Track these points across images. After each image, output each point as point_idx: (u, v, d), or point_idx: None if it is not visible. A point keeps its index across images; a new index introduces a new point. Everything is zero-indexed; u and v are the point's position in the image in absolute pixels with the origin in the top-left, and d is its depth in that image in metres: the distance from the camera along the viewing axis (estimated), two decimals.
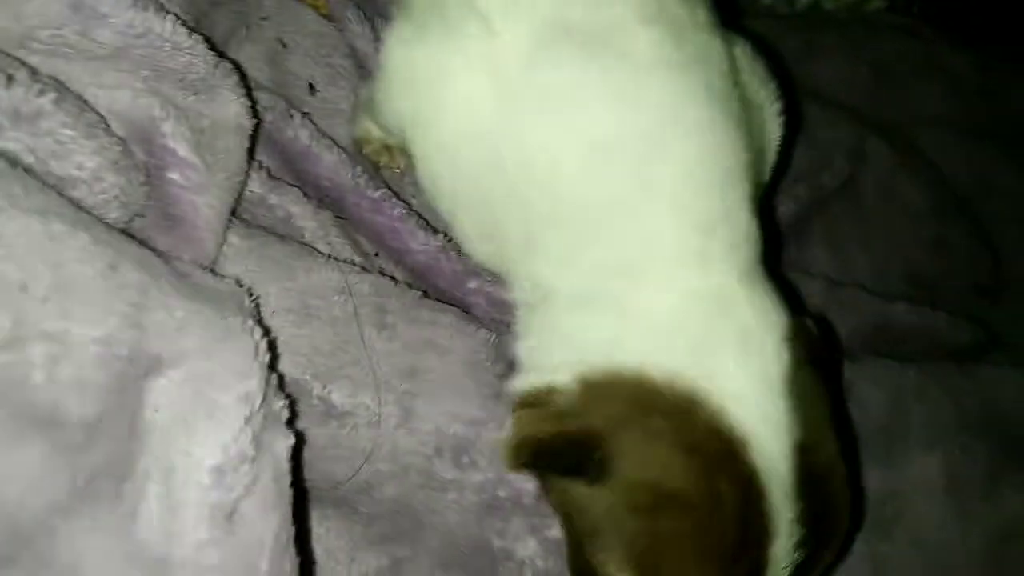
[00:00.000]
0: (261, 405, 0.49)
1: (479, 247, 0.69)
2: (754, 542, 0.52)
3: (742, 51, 0.69)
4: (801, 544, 0.53)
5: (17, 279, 0.43)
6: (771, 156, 0.72)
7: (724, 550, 0.52)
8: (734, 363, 0.54)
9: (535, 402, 0.57)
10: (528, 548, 0.69)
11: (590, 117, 0.58)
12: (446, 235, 0.76)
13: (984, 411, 0.92)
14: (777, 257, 0.91)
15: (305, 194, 0.75)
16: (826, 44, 1.25)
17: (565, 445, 0.54)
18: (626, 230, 0.58)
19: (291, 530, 0.49)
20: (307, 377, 0.63)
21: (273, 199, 0.72)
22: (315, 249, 0.70)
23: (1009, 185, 1.24)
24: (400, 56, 0.67)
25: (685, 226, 0.58)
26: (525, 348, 0.62)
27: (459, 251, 0.75)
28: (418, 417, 0.67)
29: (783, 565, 0.53)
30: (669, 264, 0.58)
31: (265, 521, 0.47)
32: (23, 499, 0.41)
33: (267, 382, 0.50)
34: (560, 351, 0.58)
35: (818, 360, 0.59)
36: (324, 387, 0.64)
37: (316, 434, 0.63)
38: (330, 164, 0.75)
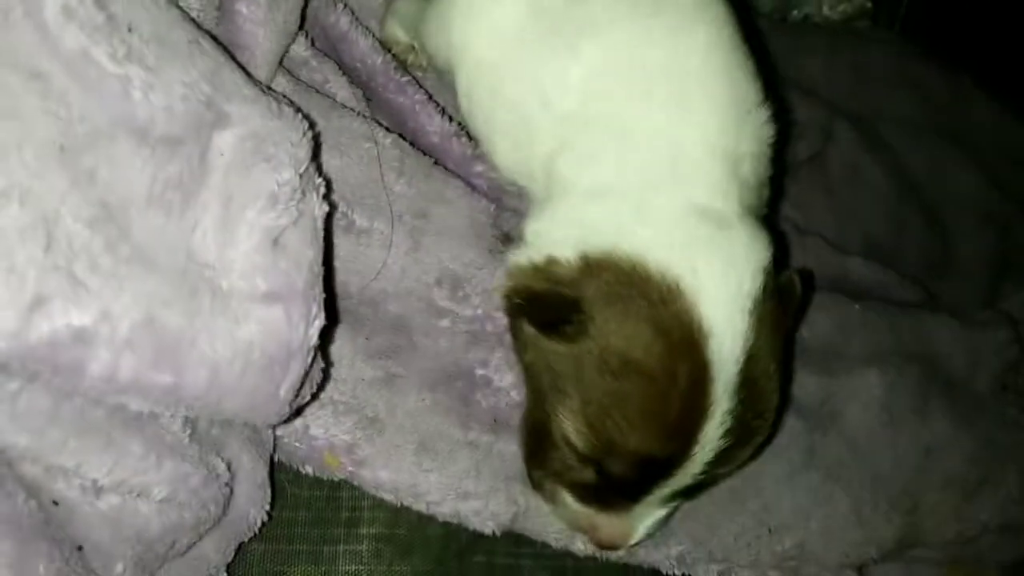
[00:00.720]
0: (307, 171, 0.59)
1: (507, 156, 0.77)
2: (692, 421, 0.61)
3: None
4: (727, 433, 0.62)
5: (125, 20, 0.53)
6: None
7: (666, 420, 0.60)
8: (717, 273, 0.62)
9: (533, 268, 0.66)
10: (505, 380, 0.78)
11: (634, 47, 0.68)
12: (460, 123, 0.86)
13: (920, 345, 1.02)
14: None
15: (341, 71, 0.85)
16: (810, 45, 1.38)
17: (554, 300, 0.63)
18: (657, 145, 0.66)
19: (322, 271, 0.58)
20: (334, 197, 0.73)
21: (314, 63, 0.82)
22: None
23: (964, 182, 1.36)
24: None
25: (710, 154, 0.66)
26: (532, 230, 0.70)
27: (469, 136, 0.85)
28: (424, 249, 0.77)
29: (709, 447, 0.62)
30: (687, 180, 0.65)
31: (303, 252, 0.57)
32: (112, 184, 0.51)
33: (313, 157, 0.60)
34: (567, 231, 0.66)
35: (790, 303, 0.70)
36: (348, 207, 0.74)
37: (338, 243, 0.72)
38: (364, 48, 0.85)
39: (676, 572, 0.82)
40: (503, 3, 0.70)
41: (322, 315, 0.57)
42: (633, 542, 0.69)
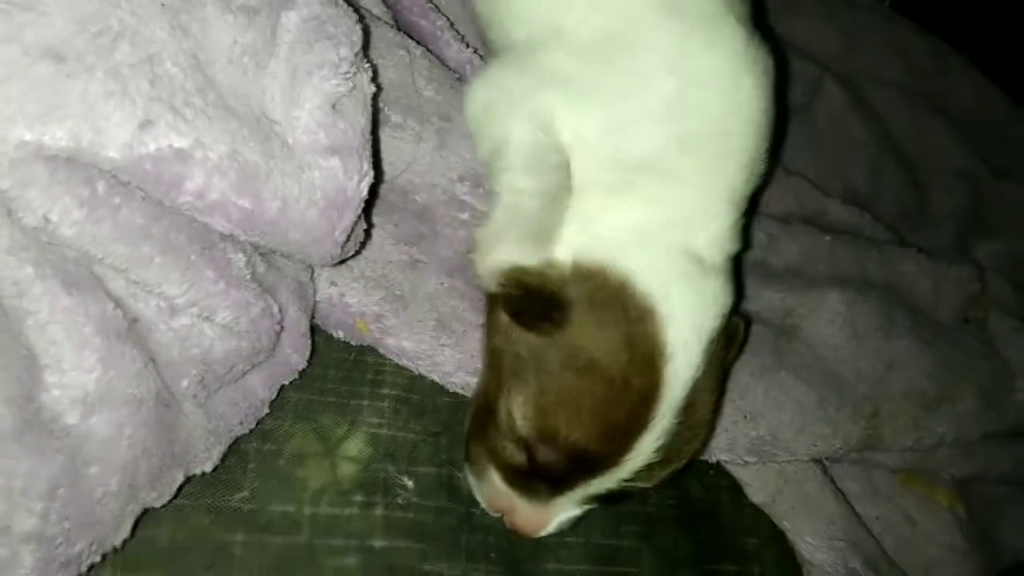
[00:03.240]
0: (359, 52, 0.68)
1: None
2: (633, 429, 0.67)
3: None
4: (660, 448, 0.68)
5: None
6: None
7: (611, 422, 0.66)
8: (688, 309, 0.69)
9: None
10: None
11: (685, 97, 0.74)
12: (475, 49, 0.95)
13: (885, 275, 1.11)
14: None
15: None
16: (807, 7, 1.47)
17: (541, 294, 0.69)
18: (685, 192, 0.73)
19: (370, 139, 0.68)
20: None
21: None
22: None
23: (941, 142, 1.46)
24: None
25: (728, 204, 0.75)
26: None
27: (482, 59, 0.94)
28: (449, 148, 0.86)
29: (641, 456, 0.68)
30: (697, 226, 0.73)
31: (357, 118, 0.66)
32: (201, 41, 0.60)
33: (364, 44, 0.70)
34: (573, 232, 0.72)
35: (733, 344, 0.78)
36: (384, 103, 0.83)
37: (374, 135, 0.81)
38: None
39: None
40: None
41: (371, 173, 0.66)
42: (544, 533, 0.74)
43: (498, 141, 0.76)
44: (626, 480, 0.69)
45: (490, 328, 0.75)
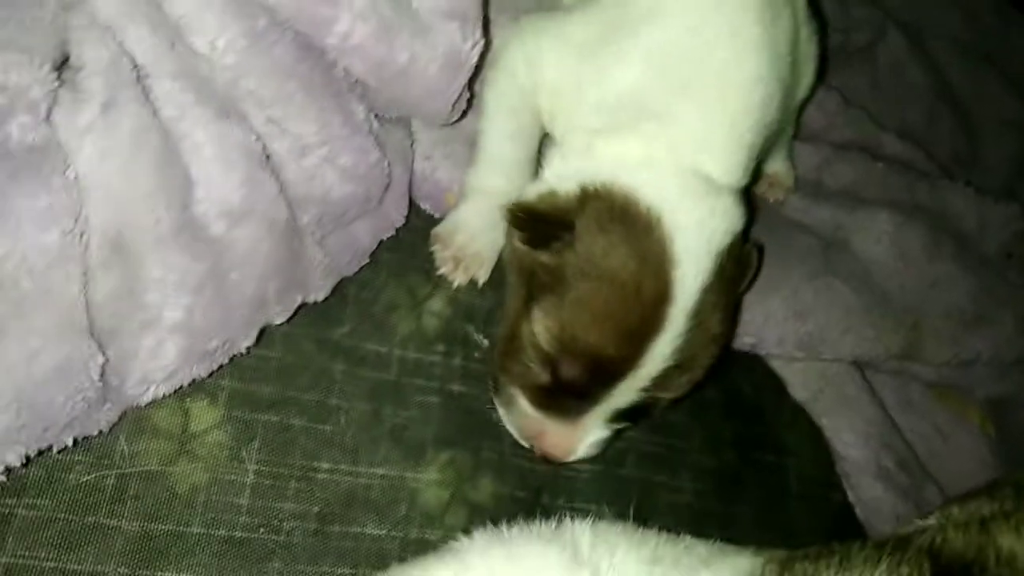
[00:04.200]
0: None
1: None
2: (647, 331, 0.69)
3: None
4: (675, 352, 0.70)
5: None
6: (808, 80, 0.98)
7: (625, 324, 0.68)
8: (695, 221, 0.71)
9: (538, 195, 0.76)
10: None
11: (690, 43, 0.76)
12: None
13: (934, 203, 1.18)
14: None
15: None
16: None
17: (550, 218, 0.72)
18: (690, 129, 0.74)
19: (482, 11, 0.75)
20: None
21: None
22: None
23: (995, 93, 1.51)
24: None
25: (720, 122, 0.75)
26: (551, 164, 0.80)
27: None
28: None
29: (657, 361, 0.70)
30: (694, 141, 0.74)
31: None
32: None
33: None
34: (575, 165, 0.75)
35: (747, 270, 0.80)
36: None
37: None
38: None
39: None
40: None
41: (482, 41, 0.73)
42: (574, 457, 0.76)
43: (489, 80, 0.81)
44: (647, 389, 0.71)
45: (509, 259, 0.78)
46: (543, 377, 0.72)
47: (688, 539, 0.64)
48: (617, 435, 0.78)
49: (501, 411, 0.78)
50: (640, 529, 0.63)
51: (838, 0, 1.34)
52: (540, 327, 0.71)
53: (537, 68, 0.77)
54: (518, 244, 0.75)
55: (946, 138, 1.38)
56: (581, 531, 0.62)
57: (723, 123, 0.74)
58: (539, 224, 0.72)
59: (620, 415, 0.74)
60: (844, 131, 1.22)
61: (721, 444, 0.97)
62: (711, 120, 0.74)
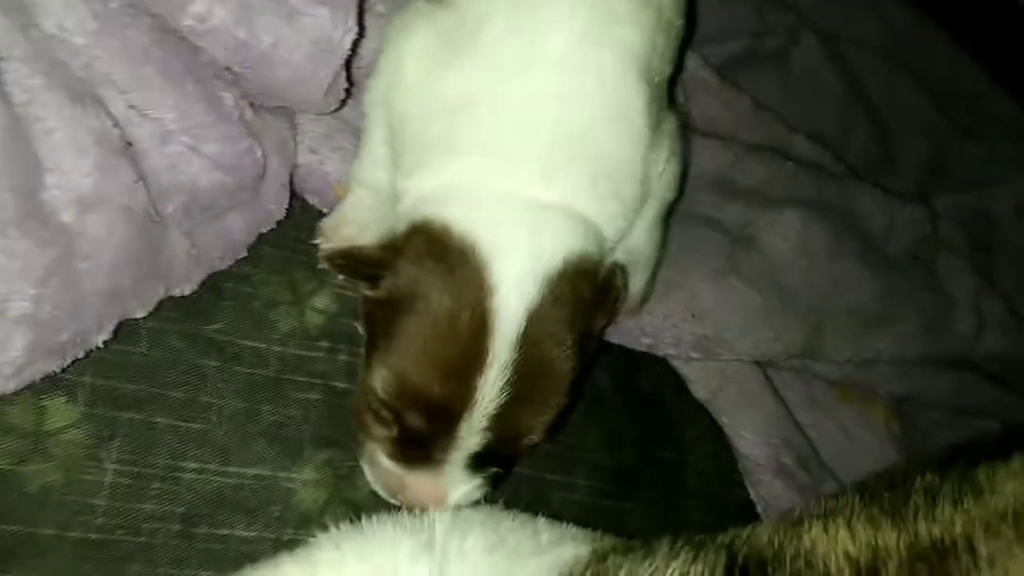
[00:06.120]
0: None
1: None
2: (470, 365, 0.64)
3: None
4: (507, 386, 0.65)
5: None
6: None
7: (446, 360, 0.65)
8: (514, 244, 0.66)
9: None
10: None
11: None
12: None
13: (842, 202, 1.18)
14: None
15: None
16: None
17: (365, 259, 0.70)
18: (505, 135, 0.70)
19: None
20: None
21: None
22: None
23: (910, 100, 1.53)
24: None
25: (535, 138, 0.70)
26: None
27: None
28: None
29: (489, 398, 0.65)
30: (509, 161, 0.70)
31: None
32: None
33: None
34: (411, 199, 0.72)
35: (610, 292, 0.74)
36: None
37: None
38: None
39: (613, 340, 0.97)
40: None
41: (355, 28, 0.72)
42: (447, 504, 0.71)
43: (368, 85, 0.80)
44: (494, 430, 0.67)
45: (359, 309, 0.76)
46: (392, 429, 0.69)
47: (540, 522, 0.65)
48: (495, 481, 0.74)
49: (365, 469, 0.75)
50: (499, 514, 0.64)
51: (752, 4, 1.34)
52: (377, 377, 0.67)
53: (400, 76, 0.75)
54: (363, 295, 0.72)
55: (859, 142, 1.40)
56: (440, 518, 0.63)
57: (539, 139, 0.70)
58: (358, 266, 0.71)
59: (484, 461, 0.70)
60: (754, 132, 1.22)
61: (619, 442, 0.96)
62: (526, 137, 0.70)
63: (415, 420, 0.67)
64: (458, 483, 0.71)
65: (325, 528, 0.70)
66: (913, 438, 1.17)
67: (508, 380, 0.65)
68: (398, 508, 0.72)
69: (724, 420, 1.03)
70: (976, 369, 1.23)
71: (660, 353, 1.00)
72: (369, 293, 0.70)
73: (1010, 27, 1.63)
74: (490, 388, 0.65)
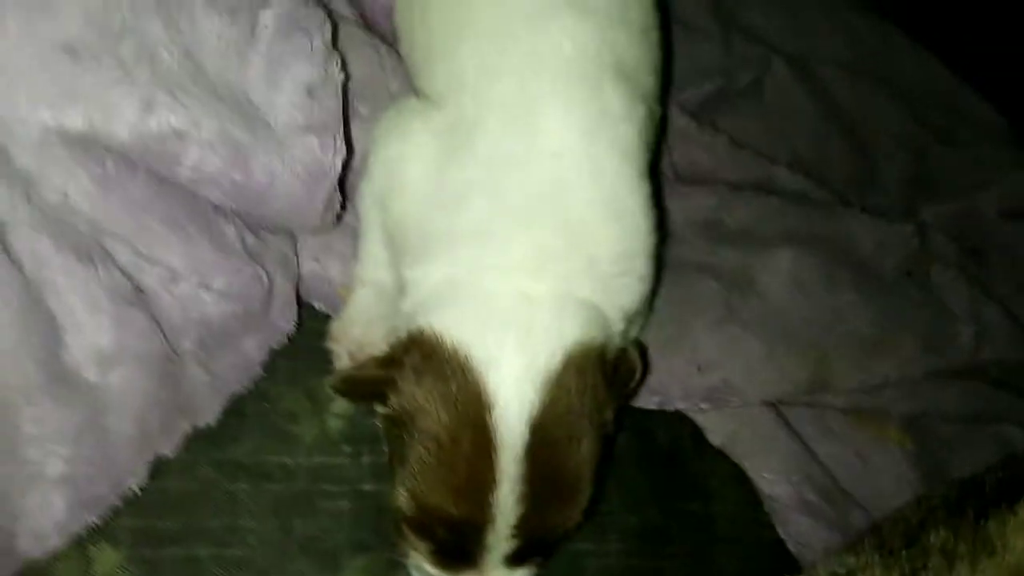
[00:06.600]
0: (329, 45, 0.77)
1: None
2: (480, 485, 0.63)
3: None
4: (523, 499, 0.64)
5: None
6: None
7: (456, 484, 0.64)
8: (508, 348, 0.65)
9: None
10: None
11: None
12: None
13: (831, 231, 1.20)
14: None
15: None
16: None
17: (368, 380, 0.70)
18: (504, 222, 0.71)
19: (342, 119, 0.77)
20: None
21: None
22: None
23: (886, 113, 1.55)
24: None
25: (538, 241, 0.70)
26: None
27: None
28: None
29: (507, 511, 0.64)
30: (519, 254, 0.70)
31: (330, 102, 0.75)
32: (192, 35, 0.69)
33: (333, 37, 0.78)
34: (408, 305, 0.73)
35: (626, 375, 0.74)
36: (354, 97, 0.91)
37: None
38: None
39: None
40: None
41: (343, 150, 0.74)
42: None
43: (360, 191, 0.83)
44: (523, 535, 0.66)
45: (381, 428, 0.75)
46: (427, 541, 0.69)
47: None
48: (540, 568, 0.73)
49: (413, 574, 0.74)
50: None
51: (721, 41, 1.37)
52: (400, 498, 0.67)
53: (398, 178, 0.77)
54: (380, 414, 0.72)
55: (839, 161, 1.42)
56: None
57: (537, 226, 0.70)
58: (363, 389, 0.71)
59: (524, 555, 0.69)
60: (736, 172, 1.24)
61: (641, 499, 0.98)
62: (524, 224, 0.70)
63: (444, 535, 0.67)
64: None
65: None
66: (930, 454, 1.18)
67: (524, 491, 0.64)
68: None
69: (744, 464, 1.04)
70: (981, 377, 1.25)
71: (671, 408, 1.01)
72: (381, 411, 0.70)
73: (976, 28, 1.65)
74: (505, 502, 0.64)
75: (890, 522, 0.75)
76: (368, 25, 1.00)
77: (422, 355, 0.66)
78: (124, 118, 0.63)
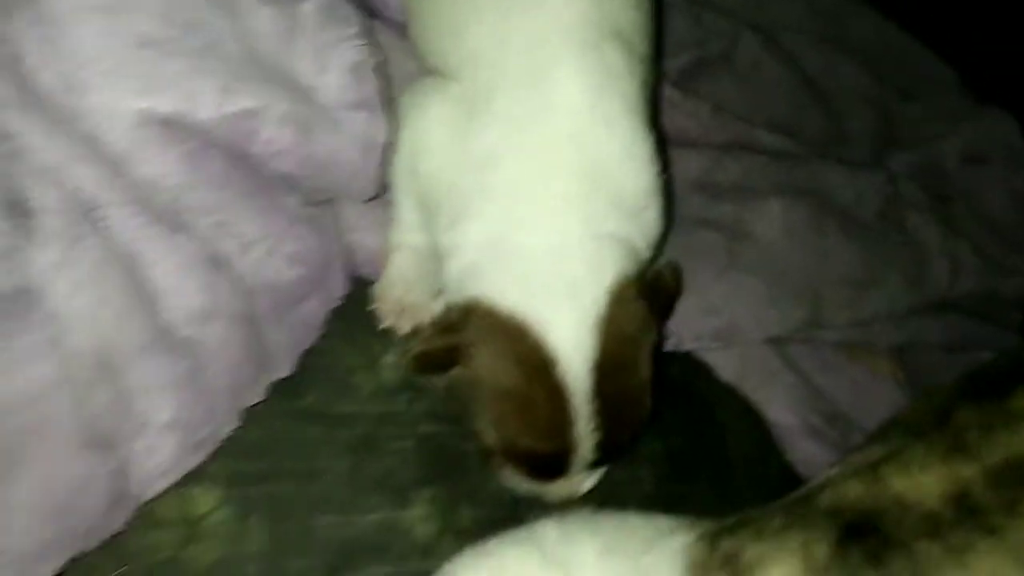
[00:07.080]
0: (363, 31, 0.86)
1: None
2: (561, 427, 0.71)
3: None
4: (599, 428, 0.72)
5: None
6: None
7: (539, 430, 0.72)
8: (557, 306, 0.71)
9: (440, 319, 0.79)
10: None
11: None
12: None
13: (814, 183, 1.31)
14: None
15: None
16: None
17: (438, 354, 0.75)
18: (530, 176, 0.76)
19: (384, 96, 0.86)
20: None
21: None
22: None
23: (850, 75, 1.66)
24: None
25: (562, 190, 0.75)
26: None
27: None
28: None
29: (585, 438, 0.72)
30: (548, 205, 0.75)
31: (372, 80, 0.83)
32: (252, 28, 0.78)
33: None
34: (456, 270, 0.78)
35: (663, 295, 0.81)
36: None
37: None
38: None
39: None
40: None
41: (387, 125, 0.83)
42: (582, 493, 0.81)
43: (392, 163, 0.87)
44: (606, 449, 0.75)
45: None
46: (519, 466, 0.78)
47: (632, 519, 0.71)
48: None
49: (506, 481, 0.83)
50: (595, 518, 0.72)
51: (690, 15, 1.47)
52: (488, 439, 0.76)
53: (424, 145, 0.83)
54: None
55: (811, 121, 1.52)
56: (546, 529, 0.70)
57: (561, 176, 0.76)
58: (433, 365, 0.77)
59: (600, 462, 0.77)
60: (720, 135, 1.34)
61: (668, 430, 1.07)
62: (549, 175, 0.76)
63: (530, 463, 0.76)
64: (588, 478, 0.81)
65: (443, 556, 0.80)
66: (917, 382, 1.29)
67: (597, 421, 0.72)
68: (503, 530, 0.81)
69: (752, 396, 1.14)
70: (957, 309, 1.36)
71: (683, 349, 1.11)
72: (453, 375, 0.76)
73: None
74: (583, 432, 0.72)
75: (912, 415, 0.76)
76: (374, 13, 1.07)
77: (480, 327, 0.73)
78: (206, 102, 0.71)
